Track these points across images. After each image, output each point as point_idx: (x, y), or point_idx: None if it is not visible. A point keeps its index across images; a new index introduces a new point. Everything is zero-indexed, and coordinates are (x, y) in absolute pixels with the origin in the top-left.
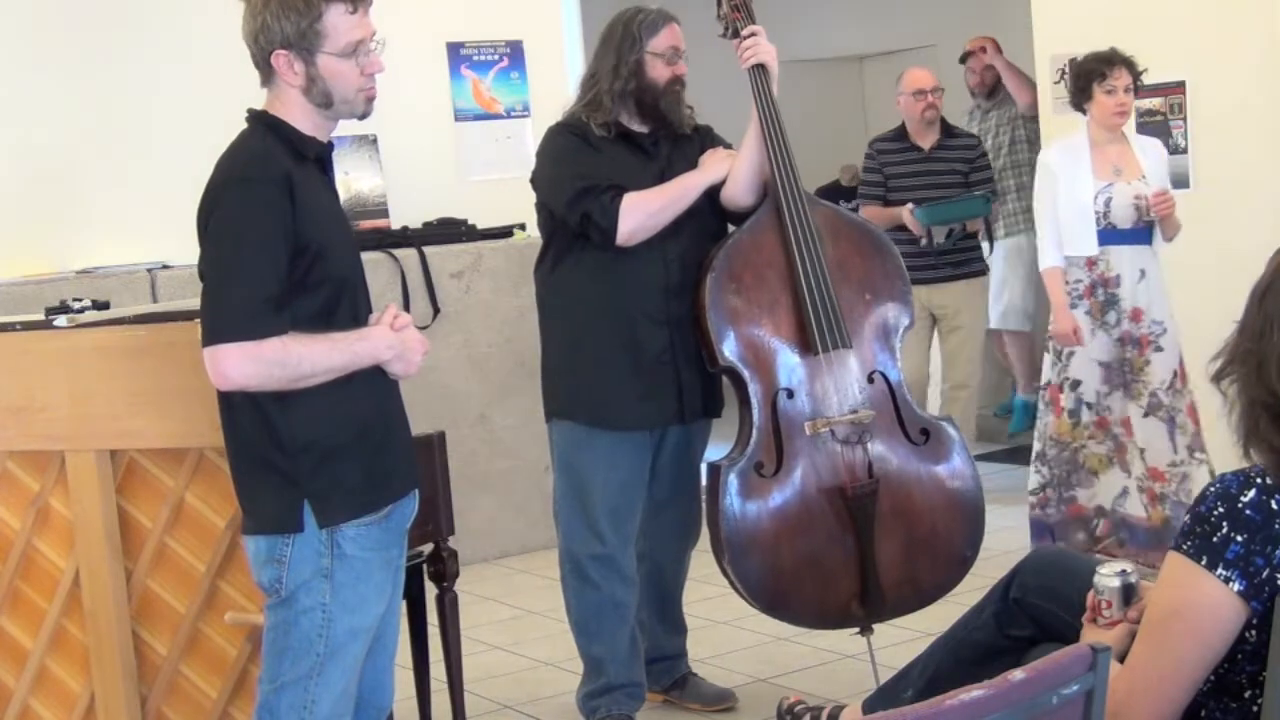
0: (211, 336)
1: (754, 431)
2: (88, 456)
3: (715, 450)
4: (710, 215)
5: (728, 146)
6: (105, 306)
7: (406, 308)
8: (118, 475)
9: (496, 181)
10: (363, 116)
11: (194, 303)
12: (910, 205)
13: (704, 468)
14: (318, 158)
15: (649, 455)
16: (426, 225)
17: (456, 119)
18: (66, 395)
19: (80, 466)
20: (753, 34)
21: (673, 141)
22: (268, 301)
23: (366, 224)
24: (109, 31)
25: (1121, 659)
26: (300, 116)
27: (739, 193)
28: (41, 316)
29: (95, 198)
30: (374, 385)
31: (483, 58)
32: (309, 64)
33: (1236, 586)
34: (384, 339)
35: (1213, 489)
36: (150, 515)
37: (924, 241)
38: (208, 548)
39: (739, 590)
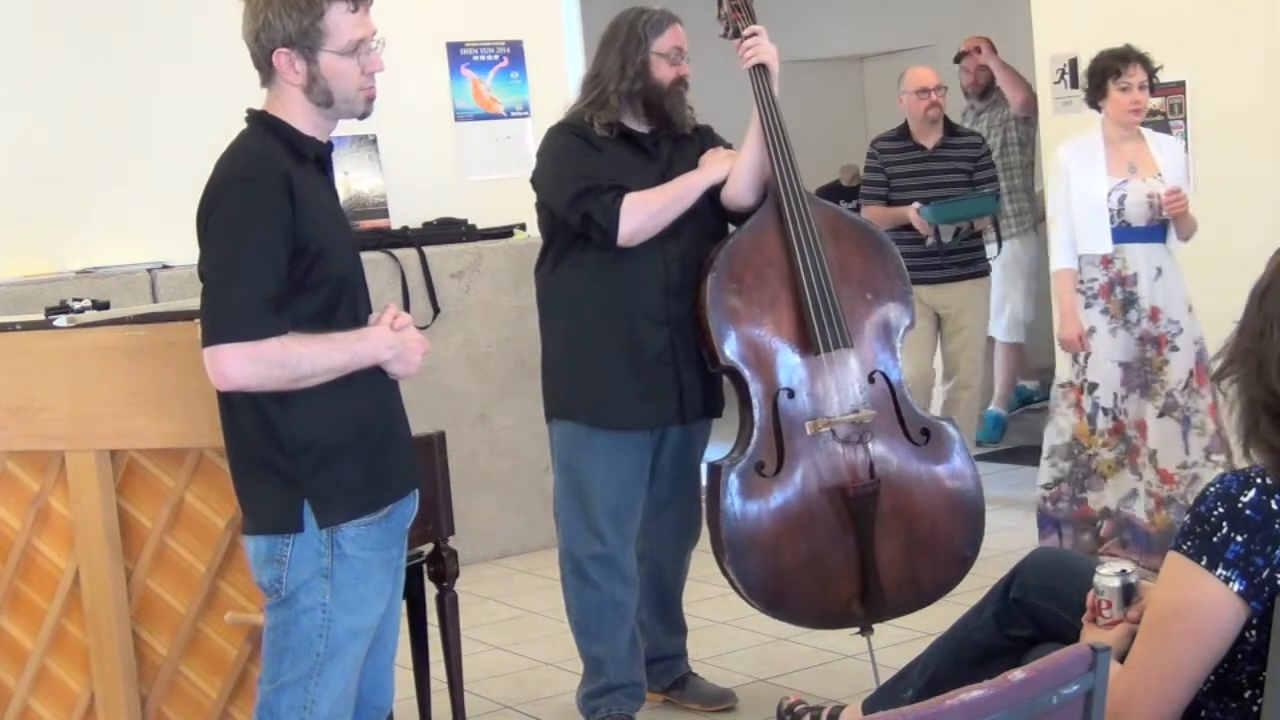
0: (211, 337)
1: (755, 431)
2: (88, 456)
3: (715, 450)
4: (711, 215)
5: (728, 146)
6: (105, 306)
7: (406, 308)
8: (118, 475)
9: (496, 181)
10: (362, 116)
11: (194, 303)
12: (916, 204)
13: (704, 468)
14: (317, 158)
15: (649, 455)
16: (426, 225)
17: (456, 119)
18: (66, 395)
19: (80, 466)
20: (754, 34)
21: (673, 142)
22: (267, 302)
23: (366, 224)
24: (109, 31)
25: (1121, 659)
26: (300, 116)
27: (740, 193)
28: (41, 316)
29: (95, 198)
30: (374, 385)
31: (483, 58)
32: (310, 62)
33: (1236, 586)
34: (384, 339)
35: (1213, 489)
36: (150, 515)
37: (930, 241)
38: (208, 548)
39: (739, 590)
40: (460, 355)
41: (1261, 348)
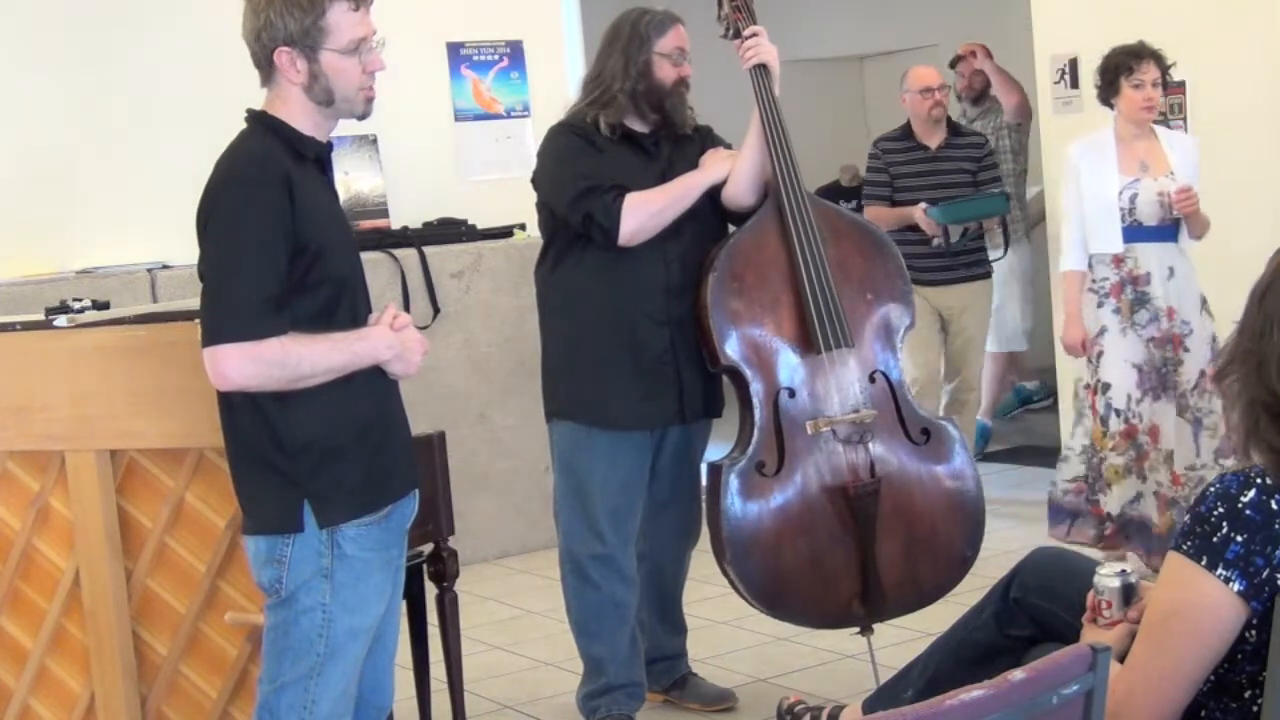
0: (211, 337)
1: (755, 431)
2: (88, 456)
3: (715, 450)
4: (711, 216)
5: (728, 147)
6: (105, 306)
7: (406, 308)
8: (118, 475)
9: (496, 181)
10: (362, 117)
11: (194, 303)
12: (923, 204)
13: (704, 468)
14: (317, 158)
15: (649, 455)
16: (426, 225)
17: (456, 119)
18: (66, 395)
19: (80, 466)
20: (754, 34)
21: (674, 142)
22: (267, 302)
23: (366, 224)
24: (109, 31)
25: (1121, 659)
26: (300, 116)
27: (740, 193)
28: (41, 316)
29: (95, 198)
30: (374, 385)
31: (483, 58)
32: (311, 61)
33: (1236, 586)
34: (383, 339)
35: (1213, 489)
36: (150, 515)
37: (936, 242)
38: (208, 548)
39: (739, 590)
40: (460, 355)
41: (1261, 348)
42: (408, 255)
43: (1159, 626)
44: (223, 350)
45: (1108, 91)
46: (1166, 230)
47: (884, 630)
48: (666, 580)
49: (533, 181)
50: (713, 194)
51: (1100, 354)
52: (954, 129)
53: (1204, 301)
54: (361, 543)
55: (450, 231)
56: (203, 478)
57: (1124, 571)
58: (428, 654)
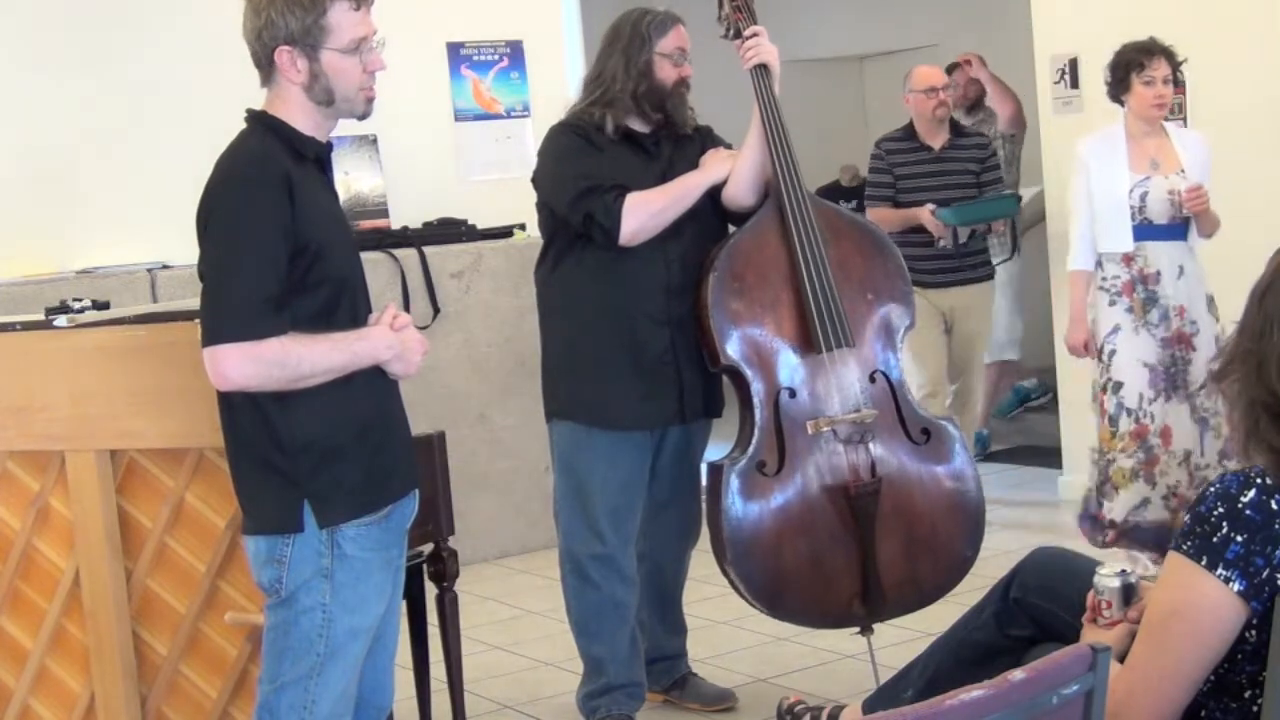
0: (211, 337)
1: (756, 431)
2: (88, 456)
3: (715, 450)
4: (711, 216)
5: (728, 147)
6: (105, 306)
7: (406, 308)
8: (118, 475)
9: (496, 181)
10: (362, 117)
11: (194, 303)
12: (931, 206)
13: (704, 468)
14: (317, 158)
15: (649, 455)
16: (426, 225)
17: (456, 119)
18: (66, 395)
19: (80, 466)
20: (754, 34)
21: (674, 142)
22: (267, 302)
23: (366, 224)
24: (109, 31)
25: (1121, 659)
26: (300, 116)
27: (740, 193)
28: (41, 316)
29: (95, 198)
30: (374, 385)
31: (483, 58)
32: (312, 60)
33: (1236, 586)
34: (383, 339)
35: (1212, 489)
36: (150, 515)
37: (942, 243)
38: (208, 548)
39: (740, 590)
40: (460, 355)
41: (1261, 348)
42: (408, 255)
43: (1159, 626)
44: (223, 350)
45: (1118, 88)
46: (1177, 229)
47: (884, 630)
48: (666, 580)
49: (533, 181)
50: (713, 194)
51: (1113, 353)
52: (956, 129)
53: (1210, 300)
54: (361, 543)
55: (450, 231)
56: (203, 478)
57: (1124, 571)
58: (428, 654)
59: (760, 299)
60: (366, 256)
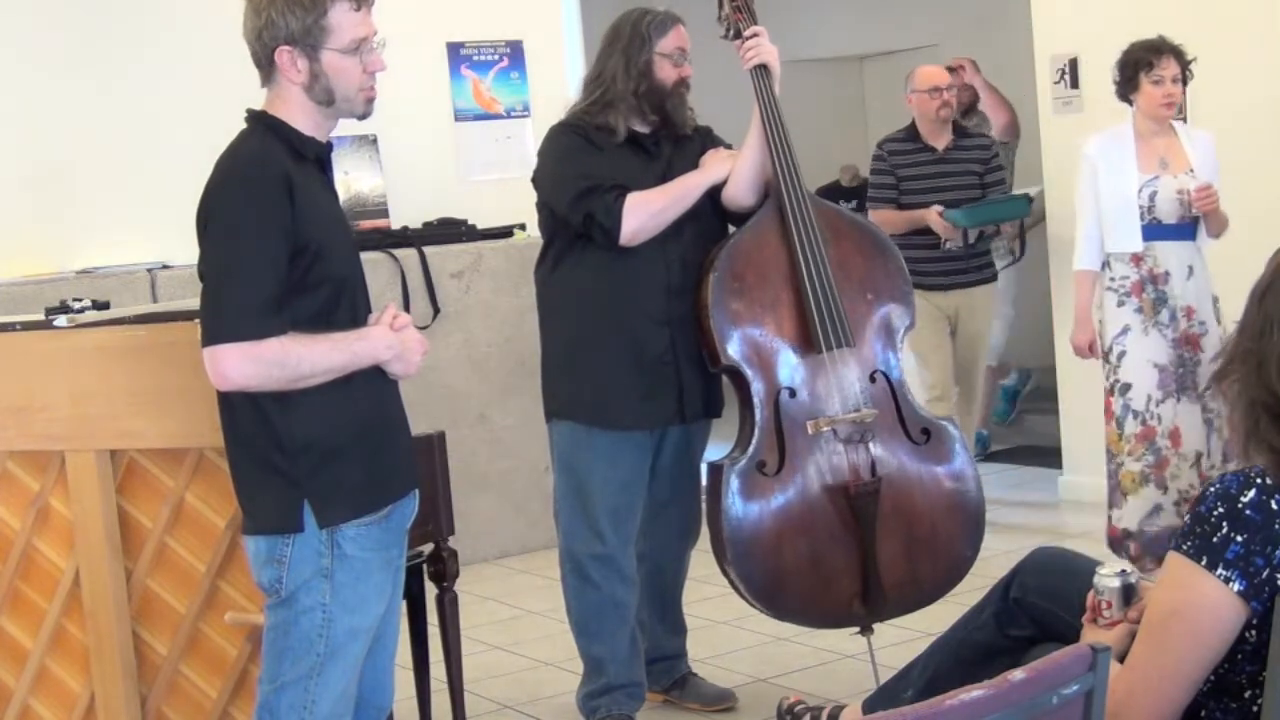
0: (211, 337)
1: (756, 431)
2: (88, 456)
3: (715, 450)
4: (711, 216)
5: (728, 147)
6: (105, 306)
7: (406, 308)
8: (118, 475)
9: (496, 181)
10: (362, 117)
11: (194, 303)
12: (938, 207)
13: (704, 467)
14: (317, 158)
15: (649, 455)
16: (426, 225)
17: (456, 119)
18: (66, 395)
19: (80, 466)
20: (755, 34)
21: (674, 142)
22: (267, 302)
23: (366, 224)
24: (109, 31)
25: (1121, 659)
26: (300, 116)
27: (741, 193)
28: (41, 316)
29: (95, 198)
30: (374, 385)
31: (483, 58)
32: (313, 60)
33: (1236, 586)
34: (383, 339)
35: (1212, 489)
36: (150, 515)
37: (951, 244)
38: (208, 548)
39: (740, 590)
40: (460, 355)
41: (1261, 348)
42: (408, 255)
43: (1159, 626)
44: (222, 350)
45: (1126, 87)
46: (1185, 229)
47: (884, 630)
48: (666, 580)
49: (533, 181)
50: (713, 194)
51: (1122, 354)
52: (959, 130)
53: (1215, 301)
54: (361, 543)
55: (450, 231)
56: (203, 478)
57: (1124, 571)
58: (428, 654)
59: (760, 299)
60: (366, 256)
